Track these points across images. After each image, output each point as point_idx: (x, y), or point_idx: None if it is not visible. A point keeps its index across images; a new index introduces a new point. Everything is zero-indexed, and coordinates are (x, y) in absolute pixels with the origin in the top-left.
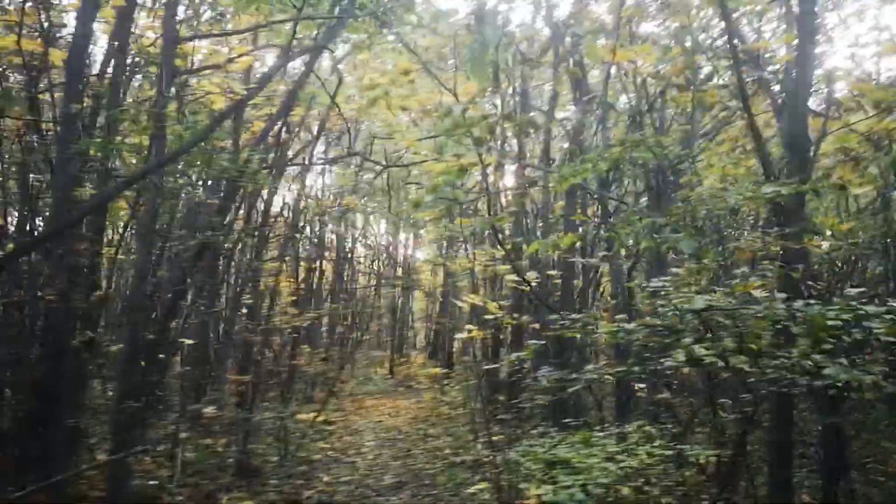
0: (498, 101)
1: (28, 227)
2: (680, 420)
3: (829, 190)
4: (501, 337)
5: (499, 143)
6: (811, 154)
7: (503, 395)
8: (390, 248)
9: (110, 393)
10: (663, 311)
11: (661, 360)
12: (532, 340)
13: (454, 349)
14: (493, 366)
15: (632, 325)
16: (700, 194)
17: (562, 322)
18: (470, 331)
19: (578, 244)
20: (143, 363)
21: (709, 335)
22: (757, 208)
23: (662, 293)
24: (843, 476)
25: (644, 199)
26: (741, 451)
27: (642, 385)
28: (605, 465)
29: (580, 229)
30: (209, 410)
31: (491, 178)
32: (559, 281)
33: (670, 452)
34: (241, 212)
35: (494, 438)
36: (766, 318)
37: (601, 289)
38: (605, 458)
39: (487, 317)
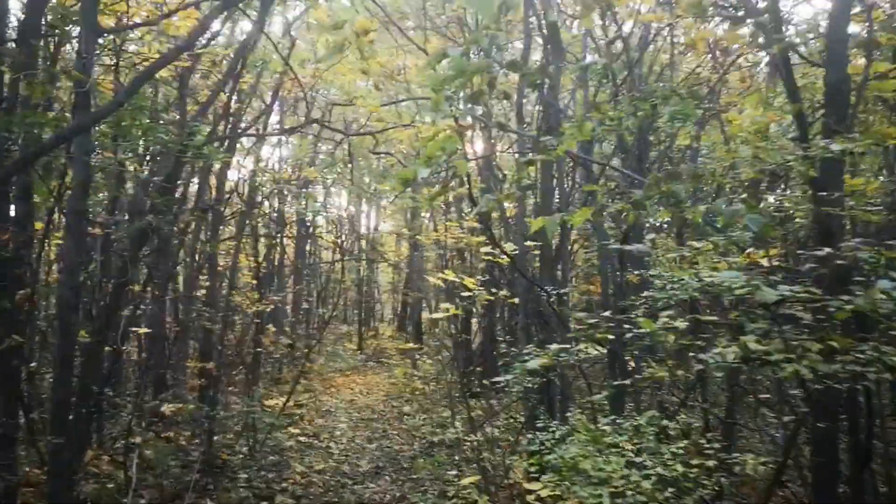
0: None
1: None
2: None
3: (871, 143)
4: (473, 310)
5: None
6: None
7: (477, 367)
8: (353, 221)
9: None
10: (670, 291)
11: (708, 358)
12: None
13: (423, 322)
14: (465, 338)
15: (679, 322)
16: (730, 155)
17: (545, 295)
18: (447, 309)
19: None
20: (83, 364)
21: (776, 330)
22: (806, 170)
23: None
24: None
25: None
26: (792, 453)
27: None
28: (627, 472)
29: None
30: (168, 407)
31: (479, 145)
32: (538, 252)
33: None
34: (193, 188)
35: (472, 415)
36: (861, 308)
37: (573, 255)
38: (625, 462)
39: (464, 293)
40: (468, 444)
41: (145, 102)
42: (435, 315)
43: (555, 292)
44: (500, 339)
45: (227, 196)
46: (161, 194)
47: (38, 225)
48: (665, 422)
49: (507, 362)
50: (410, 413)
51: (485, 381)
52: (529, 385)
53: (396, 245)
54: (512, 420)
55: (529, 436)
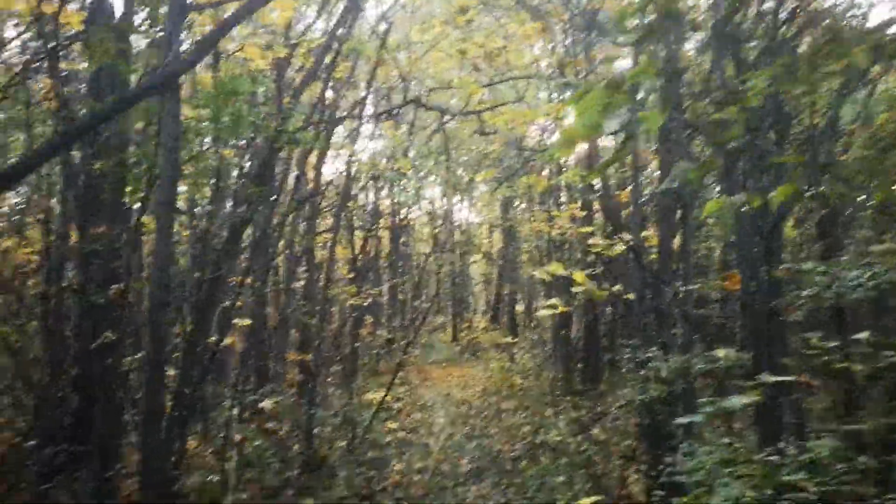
0: None
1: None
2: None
3: None
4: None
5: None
6: None
7: (578, 364)
8: (446, 212)
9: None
10: None
11: None
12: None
13: (517, 314)
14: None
15: None
16: None
17: (667, 291)
18: (554, 305)
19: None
20: (182, 357)
21: None
22: None
23: None
24: None
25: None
26: None
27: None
28: None
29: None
30: (268, 402)
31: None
32: (656, 243)
33: None
34: (290, 180)
35: (575, 415)
36: None
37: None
38: None
39: (575, 289)
40: (573, 447)
41: (241, 86)
42: (541, 311)
43: (682, 288)
44: (603, 335)
45: (324, 188)
46: (257, 184)
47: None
48: (862, 458)
49: (614, 362)
50: (509, 410)
51: (587, 379)
52: (654, 393)
53: (489, 237)
54: (620, 424)
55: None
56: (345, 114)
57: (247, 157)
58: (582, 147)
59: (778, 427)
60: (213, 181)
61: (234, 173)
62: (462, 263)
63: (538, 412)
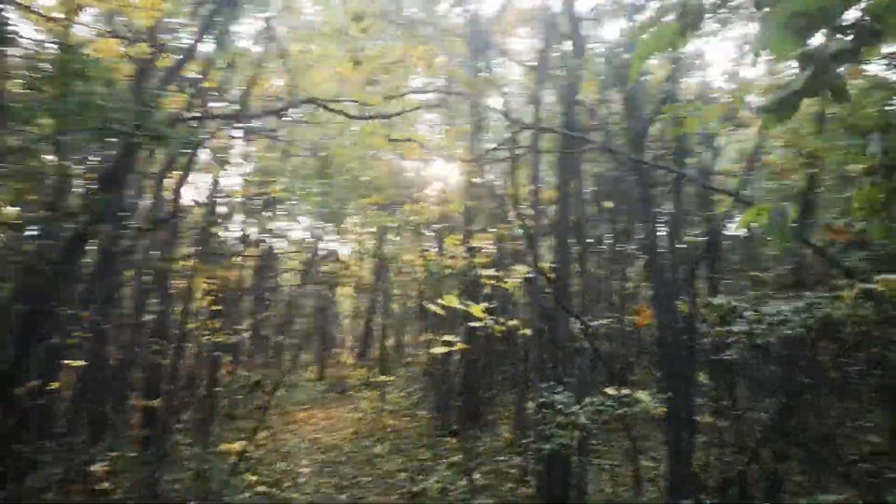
0: None
1: None
2: None
3: None
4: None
5: None
6: None
7: (456, 402)
8: (316, 242)
9: None
10: None
11: None
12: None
13: (386, 350)
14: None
15: None
16: None
17: (578, 325)
18: (449, 342)
19: None
20: None
21: None
22: None
23: None
24: None
25: None
26: None
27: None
28: None
29: None
30: (98, 467)
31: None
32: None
33: None
34: (146, 194)
35: (454, 458)
36: None
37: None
38: None
39: (473, 324)
40: (456, 494)
41: (93, 68)
42: (435, 349)
43: (590, 322)
44: (481, 371)
45: (184, 210)
46: (102, 192)
47: None
48: None
49: (491, 400)
50: (383, 454)
51: (468, 416)
52: (563, 440)
53: (359, 268)
54: (501, 467)
55: None
56: (216, 118)
57: (89, 158)
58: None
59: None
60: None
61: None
62: (331, 296)
63: (415, 456)
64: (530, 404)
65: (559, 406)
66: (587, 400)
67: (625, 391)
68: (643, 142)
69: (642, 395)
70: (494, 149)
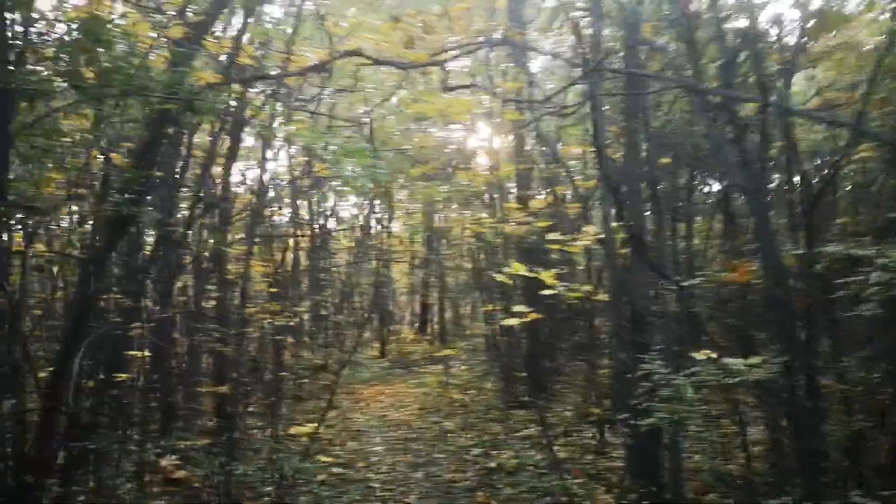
0: None
1: None
2: None
3: None
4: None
5: None
6: None
7: (521, 373)
8: (367, 219)
9: None
10: None
11: None
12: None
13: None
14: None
15: None
16: None
17: (665, 288)
18: (521, 313)
19: None
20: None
21: None
22: None
23: None
24: None
25: None
26: None
27: None
28: None
29: None
30: (170, 461)
31: None
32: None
33: None
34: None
35: (526, 431)
36: None
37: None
38: None
39: (545, 291)
40: (533, 469)
41: (106, 33)
42: (508, 320)
43: (683, 283)
44: (545, 341)
45: (234, 193)
46: (138, 168)
47: None
48: None
49: (558, 370)
50: (454, 430)
51: (535, 388)
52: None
53: (410, 244)
54: (574, 439)
55: None
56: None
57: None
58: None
59: None
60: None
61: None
62: (386, 272)
63: (486, 430)
64: (605, 372)
65: (658, 377)
66: (690, 370)
67: (731, 358)
68: (732, 75)
69: (754, 360)
70: (549, 98)
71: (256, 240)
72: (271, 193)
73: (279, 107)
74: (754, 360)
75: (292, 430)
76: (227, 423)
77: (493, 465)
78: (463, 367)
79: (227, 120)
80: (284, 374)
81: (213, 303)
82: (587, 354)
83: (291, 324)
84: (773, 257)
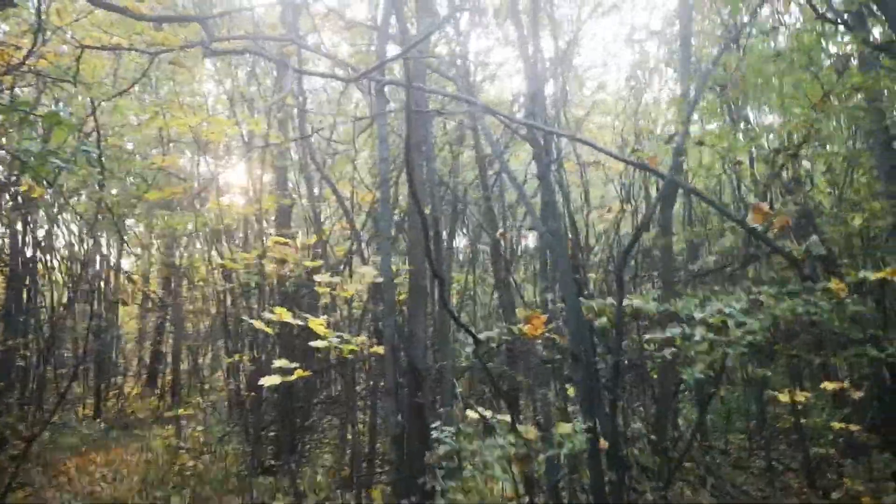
0: None
1: None
2: None
3: None
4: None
5: None
6: None
7: (275, 427)
8: (90, 251)
9: None
10: None
11: None
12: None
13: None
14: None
15: None
16: None
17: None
18: (287, 369)
19: None
20: None
21: None
22: None
23: None
24: None
25: None
26: None
27: None
28: None
29: None
30: None
31: None
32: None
33: None
34: None
35: None
36: None
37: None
38: None
39: (315, 343)
40: None
41: None
42: (265, 379)
43: (483, 336)
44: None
45: None
46: None
47: None
48: None
49: (310, 427)
50: None
51: (285, 448)
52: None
53: (144, 283)
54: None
55: None
56: None
57: None
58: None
59: None
60: None
61: None
62: (110, 315)
63: None
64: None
65: (450, 447)
66: (490, 440)
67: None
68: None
69: (564, 427)
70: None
71: None
72: None
73: None
74: (564, 428)
75: None
76: None
77: None
78: (199, 428)
79: None
80: None
81: None
82: (344, 409)
83: None
84: (575, 308)
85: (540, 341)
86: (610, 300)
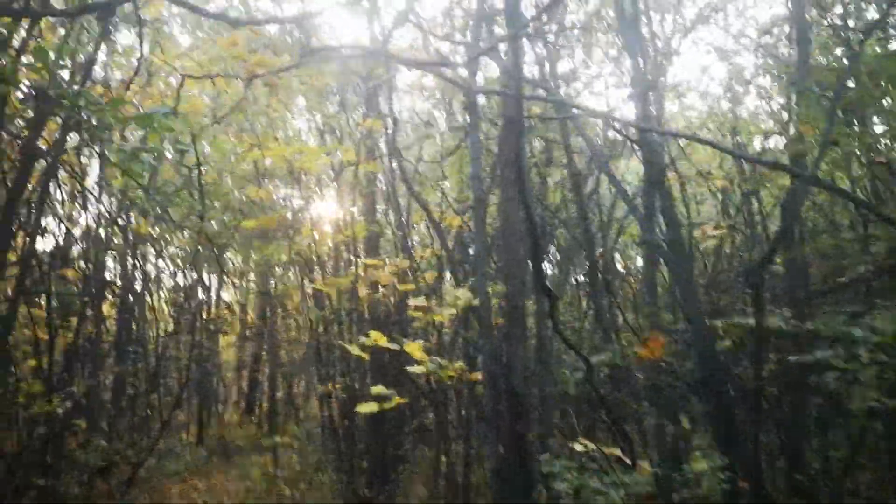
0: None
1: None
2: None
3: None
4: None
5: None
6: None
7: (368, 457)
8: (192, 284)
9: None
10: None
11: None
12: None
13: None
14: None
15: None
16: None
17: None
18: (384, 396)
19: None
20: None
21: None
22: None
23: None
24: None
25: None
26: None
27: None
28: None
29: None
30: None
31: None
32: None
33: None
34: None
35: None
36: None
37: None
38: None
39: (413, 369)
40: None
41: None
42: (363, 406)
43: (594, 360)
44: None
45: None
46: None
47: None
48: None
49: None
50: None
51: (378, 477)
52: None
53: (242, 313)
54: None
55: None
56: None
57: None
58: None
59: None
60: None
61: None
62: (211, 345)
63: None
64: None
65: (570, 482)
66: (610, 477)
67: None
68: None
69: (699, 464)
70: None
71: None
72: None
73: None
74: (700, 465)
75: None
76: None
77: None
78: (294, 457)
79: None
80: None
81: None
82: (437, 438)
83: (68, 406)
84: (702, 329)
85: (661, 365)
86: (748, 320)
